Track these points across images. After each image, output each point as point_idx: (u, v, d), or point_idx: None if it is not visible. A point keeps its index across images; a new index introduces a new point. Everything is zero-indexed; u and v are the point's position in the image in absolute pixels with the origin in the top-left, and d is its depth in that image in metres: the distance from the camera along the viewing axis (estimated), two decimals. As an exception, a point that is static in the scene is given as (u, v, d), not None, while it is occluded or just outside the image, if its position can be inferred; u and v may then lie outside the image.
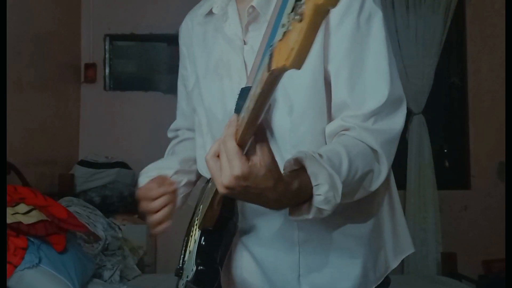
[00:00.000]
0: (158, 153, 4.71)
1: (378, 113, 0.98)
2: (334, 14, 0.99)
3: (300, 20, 0.58)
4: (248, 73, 1.07)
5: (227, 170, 0.77)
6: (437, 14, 3.87)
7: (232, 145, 0.76)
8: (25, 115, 3.17)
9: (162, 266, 3.80)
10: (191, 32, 1.23)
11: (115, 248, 2.93)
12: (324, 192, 0.85)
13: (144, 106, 4.02)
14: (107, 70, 4.07)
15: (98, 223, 2.89)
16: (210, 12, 1.15)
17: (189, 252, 1.14)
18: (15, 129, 2.88)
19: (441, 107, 4.15)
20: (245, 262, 1.12)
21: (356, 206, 1.03)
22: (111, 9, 4.02)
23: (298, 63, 0.59)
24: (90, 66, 4.01)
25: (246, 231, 1.10)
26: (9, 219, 2.11)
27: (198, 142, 1.23)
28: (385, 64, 1.01)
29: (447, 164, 4.13)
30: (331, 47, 1.01)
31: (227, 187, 0.78)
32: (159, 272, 3.64)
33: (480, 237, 3.96)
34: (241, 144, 0.77)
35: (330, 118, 1.03)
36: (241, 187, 0.78)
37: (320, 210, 0.86)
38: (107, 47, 4.07)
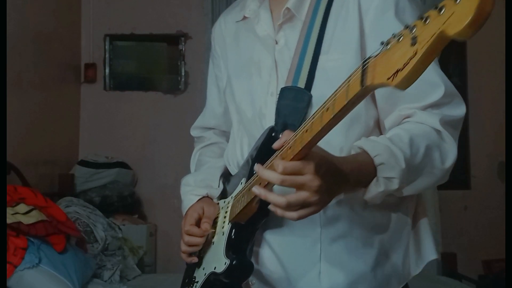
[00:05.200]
0: (158, 153, 4.71)
1: (437, 105, 1.01)
2: (368, 11, 1.03)
3: (413, 44, 0.60)
4: (279, 72, 1.11)
5: (312, 178, 0.83)
6: (437, 14, 3.87)
7: (294, 163, 0.83)
8: (25, 115, 3.17)
9: (162, 266, 3.80)
10: (224, 32, 1.28)
11: (115, 248, 2.93)
12: (385, 159, 0.90)
13: (144, 106, 4.02)
14: (107, 70, 4.07)
15: (98, 223, 2.89)
16: (243, 18, 1.20)
17: (212, 243, 1.15)
18: (15, 129, 2.88)
19: (441, 107, 4.15)
20: (265, 257, 1.12)
21: (381, 210, 1.05)
22: (111, 9, 4.02)
23: (405, 84, 0.62)
24: (90, 66, 4.01)
25: (269, 226, 1.11)
26: (9, 219, 2.11)
27: (231, 138, 1.27)
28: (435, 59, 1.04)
29: (447, 164, 4.12)
30: (370, 45, 1.04)
31: (319, 187, 0.84)
32: (159, 272, 3.65)
33: (480, 237, 3.96)
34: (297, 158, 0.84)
35: (366, 124, 1.05)
36: (327, 177, 0.84)
37: (388, 180, 0.91)
38: (107, 47, 4.07)
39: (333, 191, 0.89)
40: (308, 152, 0.83)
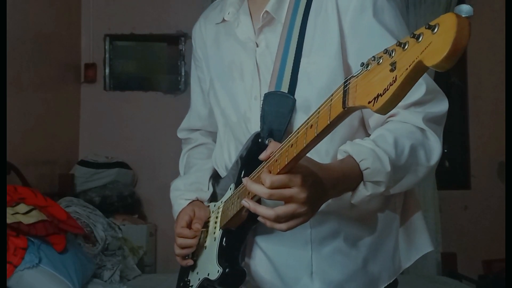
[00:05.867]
0: (158, 153, 4.70)
1: (419, 103, 1.01)
2: (347, 12, 1.04)
3: (392, 70, 0.61)
4: (261, 75, 1.11)
5: (299, 188, 0.84)
6: (437, 14, 3.85)
7: (281, 177, 0.84)
8: (25, 115, 3.17)
9: (162, 266, 3.80)
10: (204, 34, 1.27)
11: (115, 248, 2.93)
12: (371, 163, 0.91)
13: (144, 106, 4.02)
14: (107, 70, 4.07)
15: (98, 223, 2.89)
16: (223, 21, 1.20)
17: (205, 248, 1.16)
18: (15, 129, 2.88)
19: (441, 107, 4.15)
20: (257, 260, 1.13)
21: (368, 208, 1.06)
22: (111, 9, 4.02)
23: (386, 109, 0.63)
24: (90, 66, 4.01)
25: (259, 230, 1.12)
26: (9, 219, 2.11)
27: (217, 141, 1.27)
28: None
29: (447, 164, 4.13)
30: (350, 46, 1.04)
31: (307, 199, 0.85)
32: (159, 272, 3.65)
33: (480, 237, 3.96)
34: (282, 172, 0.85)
35: (351, 125, 1.06)
36: (314, 188, 0.86)
37: (375, 183, 0.92)
38: (107, 47, 4.07)
39: (321, 200, 0.90)
40: (295, 165, 0.84)
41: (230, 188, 1.13)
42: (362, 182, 0.93)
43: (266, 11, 1.09)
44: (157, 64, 4.26)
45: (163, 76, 4.25)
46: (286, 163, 0.82)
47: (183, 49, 4.06)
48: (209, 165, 1.29)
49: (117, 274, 2.77)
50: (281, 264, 1.11)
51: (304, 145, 0.79)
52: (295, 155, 0.81)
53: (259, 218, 0.90)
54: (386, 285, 1.12)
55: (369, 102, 0.65)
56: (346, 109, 0.70)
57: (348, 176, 0.92)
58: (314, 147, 0.81)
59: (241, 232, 1.10)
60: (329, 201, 1.00)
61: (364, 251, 1.09)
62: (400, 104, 0.98)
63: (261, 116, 1.07)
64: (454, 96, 4.20)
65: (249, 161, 1.04)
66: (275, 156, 0.87)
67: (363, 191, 0.94)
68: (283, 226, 0.88)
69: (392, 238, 1.12)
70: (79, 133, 4.02)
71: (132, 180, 3.89)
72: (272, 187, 0.84)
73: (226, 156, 1.20)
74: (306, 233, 1.08)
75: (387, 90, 0.62)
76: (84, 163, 3.73)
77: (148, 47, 4.22)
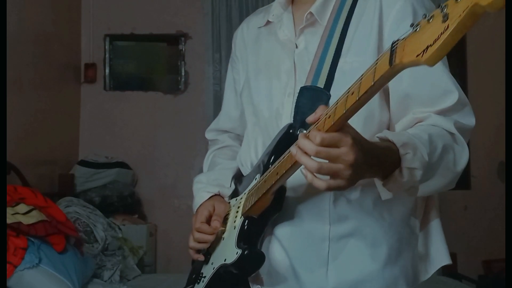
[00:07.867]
0: (158, 153, 4.70)
1: (450, 110, 1.02)
2: (389, 18, 1.06)
3: (444, 21, 0.61)
4: (297, 74, 1.13)
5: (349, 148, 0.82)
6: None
7: (332, 135, 0.82)
8: (25, 115, 3.17)
9: (162, 266, 3.80)
10: (245, 36, 1.31)
11: (115, 248, 2.93)
12: (411, 149, 0.90)
13: (144, 106, 4.03)
14: (107, 70, 4.07)
15: (98, 223, 2.89)
16: (267, 23, 1.23)
17: (222, 239, 1.17)
18: (15, 129, 2.88)
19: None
20: (275, 252, 1.13)
21: (390, 210, 1.07)
22: (111, 9, 4.03)
23: (435, 59, 0.63)
24: (90, 66, 4.01)
25: (279, 222, 1.12)
26: (9, 219, 2.11)
27: (244, 139, 1.28)
28: (447, 67, 1.06)
29: (447, 164, 4.13)
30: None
31: (354, 161, 0.83)
32: (159, 272, 3.65)
33: (480, 237, 3.96)
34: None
35: (379, 126, 1.06)
36: (361, 153, 0.83)
37: (411, 171, 0.91)
38: (107, 47, 4.07)
39: (363, 170, 0.87)
40: (343, 126, 0.83)
41: (255, 178, 1.13)
42: (398, 169, 0.92)
43: (310, 13, 1.11)
44: (157, 64, 4.26)
45: (163, 76, 4.26)
46: (344, 111, 0.80)
47: (183, 49, 4.06)
48: (233, 165, 1.31)
49: (117, 274, 2.78)
50: (297, 259, 1.11)
51: (344, 111, 0.80)
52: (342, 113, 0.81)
53: (301, 169, 0.88)
54: None
55: (418, 55, 0.64)
56: (392, 66, 0.70)
57: (388, 157, 0.91)
58: (356, 111, 0.81)
59: (262, 220, 1.09)
60: (351, 199, 1.01)
61: (383, 253, 1.08)
62: (431, 109, 1.01)
63: (295, 107, 1.09)
64: (454, 96, 4.20)
65: (279, 151, 1.04)
66: (327, 114, 0.85)
67: (398, 178, 0.92)
68: (322, 183, 0.85)
69: (412, 245, 1.12)
70: (79, 133, 4.02)
71: (132, 180, 3.89)
72: (321, 145, 0.82)
73: (253, 152, 1.21)
74: (325, 230, 1.08)
75: (438, 39, 0.61)
76: (84, 163, 3.73)
77: (148, 47, 4.22)
